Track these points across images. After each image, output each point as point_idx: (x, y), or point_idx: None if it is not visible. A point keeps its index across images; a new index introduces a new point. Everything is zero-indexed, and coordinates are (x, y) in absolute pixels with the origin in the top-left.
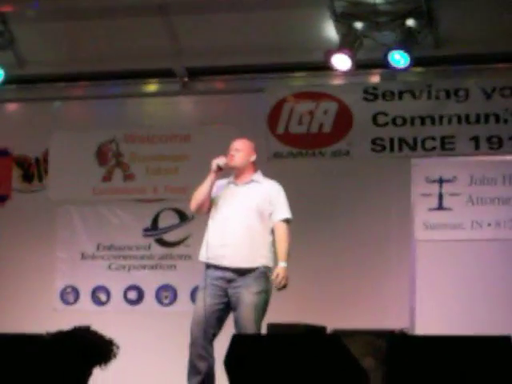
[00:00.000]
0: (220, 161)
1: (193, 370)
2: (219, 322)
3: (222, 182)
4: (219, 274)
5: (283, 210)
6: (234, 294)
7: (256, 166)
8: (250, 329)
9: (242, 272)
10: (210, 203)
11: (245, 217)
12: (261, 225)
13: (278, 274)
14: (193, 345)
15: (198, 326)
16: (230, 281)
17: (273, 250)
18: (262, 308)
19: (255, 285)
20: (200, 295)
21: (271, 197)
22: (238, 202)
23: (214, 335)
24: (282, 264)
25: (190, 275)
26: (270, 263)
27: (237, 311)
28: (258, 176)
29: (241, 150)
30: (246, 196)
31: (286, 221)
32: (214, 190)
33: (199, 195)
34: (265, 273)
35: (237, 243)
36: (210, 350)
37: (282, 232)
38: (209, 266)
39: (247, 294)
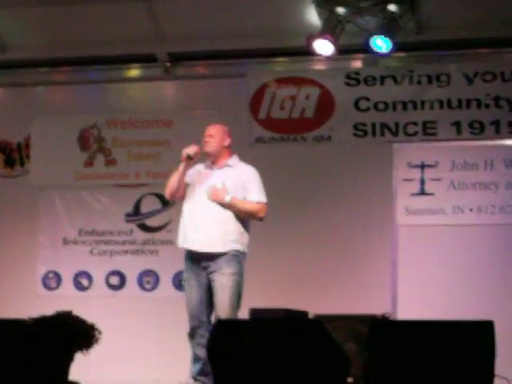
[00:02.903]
0: (189, 150)
1: (194, 357)
2: (210, 307)
3: (200, 166)
4: (195, 260)
5: (255, 193)
6: (210, 278)
7: (231, 150)
8: (223, 311)
9: (213, 256)
10: (184, 190)
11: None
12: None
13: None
14: (190, 334)
15: (192, 318)
16: (205, 267)
17: (245, 235)
18: (236, 290)
19: (226, 267)
20: (186, 287)
21: (244, 181)
22: (210, 187)
23: (210, 321)
24: (228, 196)
25: (172, 260)
26: (241, 248)
27: (213, 295)
28: (233, 160)
29: (214, 136)
30: (219, 180)
31: (259, 204)
32: (192, 174)
33: (171, 184)
34: (236, 256)
35: (207, 228)
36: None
37: (252, 203)
38: (187, 253)
39: (219, 276)
